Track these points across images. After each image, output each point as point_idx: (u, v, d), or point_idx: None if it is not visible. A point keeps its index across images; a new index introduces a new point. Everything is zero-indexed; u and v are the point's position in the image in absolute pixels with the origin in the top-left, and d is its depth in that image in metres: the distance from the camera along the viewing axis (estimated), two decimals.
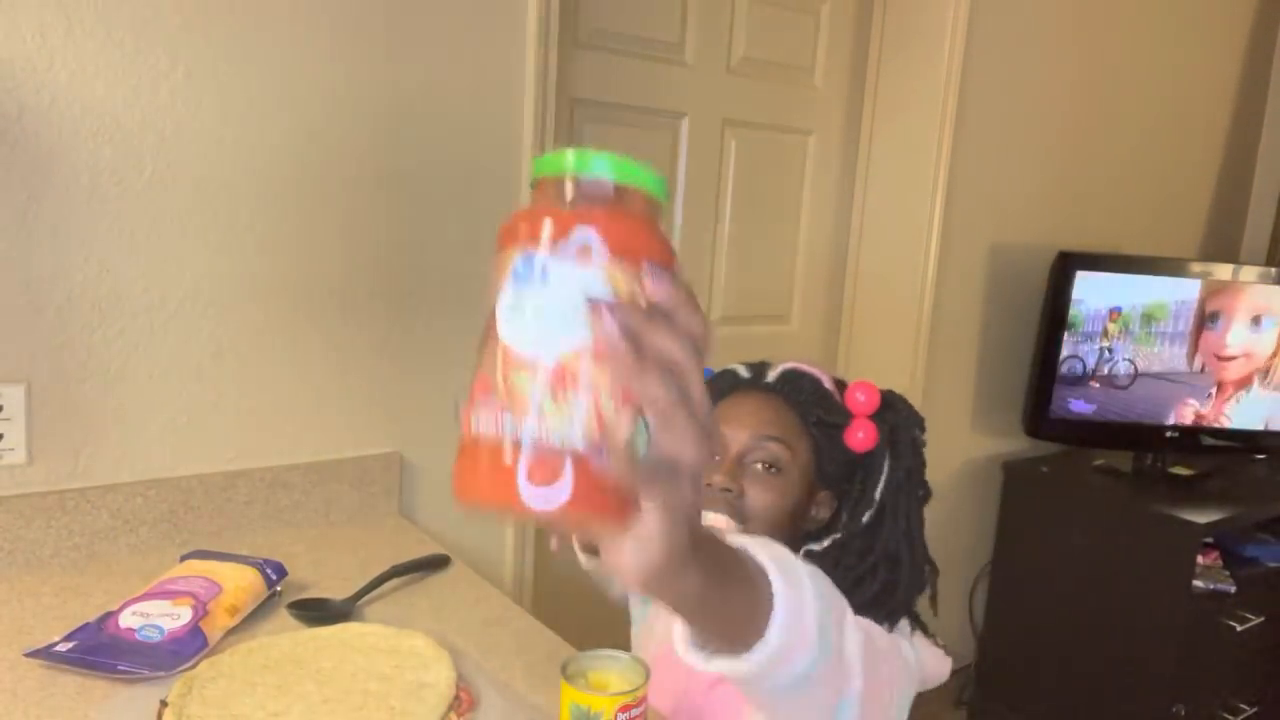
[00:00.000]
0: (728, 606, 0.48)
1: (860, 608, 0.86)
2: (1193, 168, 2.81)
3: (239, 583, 1.07)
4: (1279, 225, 2.87)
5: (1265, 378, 2.35)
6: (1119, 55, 2.48)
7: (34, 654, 0.93)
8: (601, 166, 0.41)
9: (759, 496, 0.89)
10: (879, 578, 0.88)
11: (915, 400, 2.17)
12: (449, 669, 0.91)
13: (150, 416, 1.27)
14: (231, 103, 1.26)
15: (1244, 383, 2.34)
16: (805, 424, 0.93)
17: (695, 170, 1.95)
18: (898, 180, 2.18)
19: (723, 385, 0.97)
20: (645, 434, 0.39)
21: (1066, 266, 2.22)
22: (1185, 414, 2.32)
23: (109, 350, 1.23)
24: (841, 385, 0.97)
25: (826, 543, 0.91)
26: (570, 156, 0.41)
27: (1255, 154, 2.96)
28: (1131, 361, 2.28)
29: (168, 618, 0.97)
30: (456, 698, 0.88)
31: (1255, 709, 2.26)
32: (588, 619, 1.32)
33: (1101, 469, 2.39)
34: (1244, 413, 2.36)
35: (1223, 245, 2.96)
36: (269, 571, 1.12)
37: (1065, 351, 2.23)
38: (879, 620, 0.86)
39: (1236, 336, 2.31)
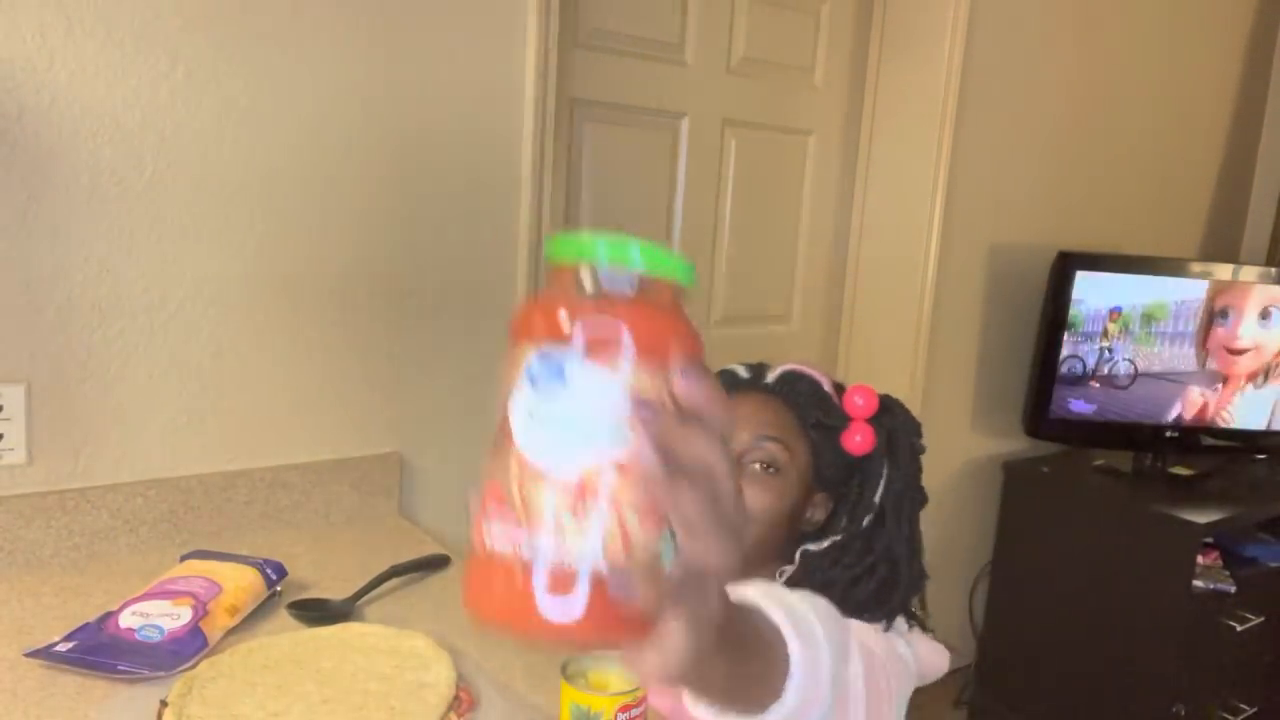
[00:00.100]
0: (745, 678, 0.47)
1: (858, 606, 0.86)
2: (1193, 168, 2.81)
3: (239, 583, 1.07)
4: (1279, 225, 2.87)
5: (1270, 373, 2.36)
6: (1119, 55, 2.48)
7: (34, 654, 0.93)
8: (627, 254, 0.37)
9: (757, 497, 0.89)
10: (877, 578, 0.88)
11: (915, 400, 2.18)
12: (449, 669, 0.91)
13: (150, 416, 1.27)
14: (231, 103, 1.26)
15: (1252, 377, 2.34)
16: (803, 425, 0.93)
17: (695, 170, 1.95)
18: (898, 180, 2.18)
19: (721, 386, 0.97)
20: (671, 544, 0.36)
21: (1066, 266, 2.22)
22: (1192, 404, 2.32)
23: (109, 350, 1.23)
24: (840, 388, 0.97)
25: (825, 544, 0.91)
26: (591, 242, 0.38)
27: (1255, 154, 2.96)
28: (1131, 361, 2.28)
29: (168, 618, 0.97)
30: (456, 698, 0.88)
31: (1255, 709, 2.26)
32: None
33: (1101, 469, 2.39)
34: (1249, 406, 2.36)
35: (1223, 245, 2.96)
36: (269, 571, 1.12)
37: (1065, 351, 2.23)
38: (877, 619, 0.86)
39: (1247, 329, 2.31)
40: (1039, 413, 2.27)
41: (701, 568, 0.37)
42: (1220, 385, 2.34)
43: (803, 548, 0.92)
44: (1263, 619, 2.13)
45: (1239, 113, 2.88)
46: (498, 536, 0.36)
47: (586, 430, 0.35)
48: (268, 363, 1.35)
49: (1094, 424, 2.30)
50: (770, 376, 0.96)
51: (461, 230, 1.49)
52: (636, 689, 0.72)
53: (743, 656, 0.45)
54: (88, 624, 0.99)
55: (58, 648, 0.94)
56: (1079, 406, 2.28)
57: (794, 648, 0.49)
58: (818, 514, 0.95)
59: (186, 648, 0.95)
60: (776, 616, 0.50)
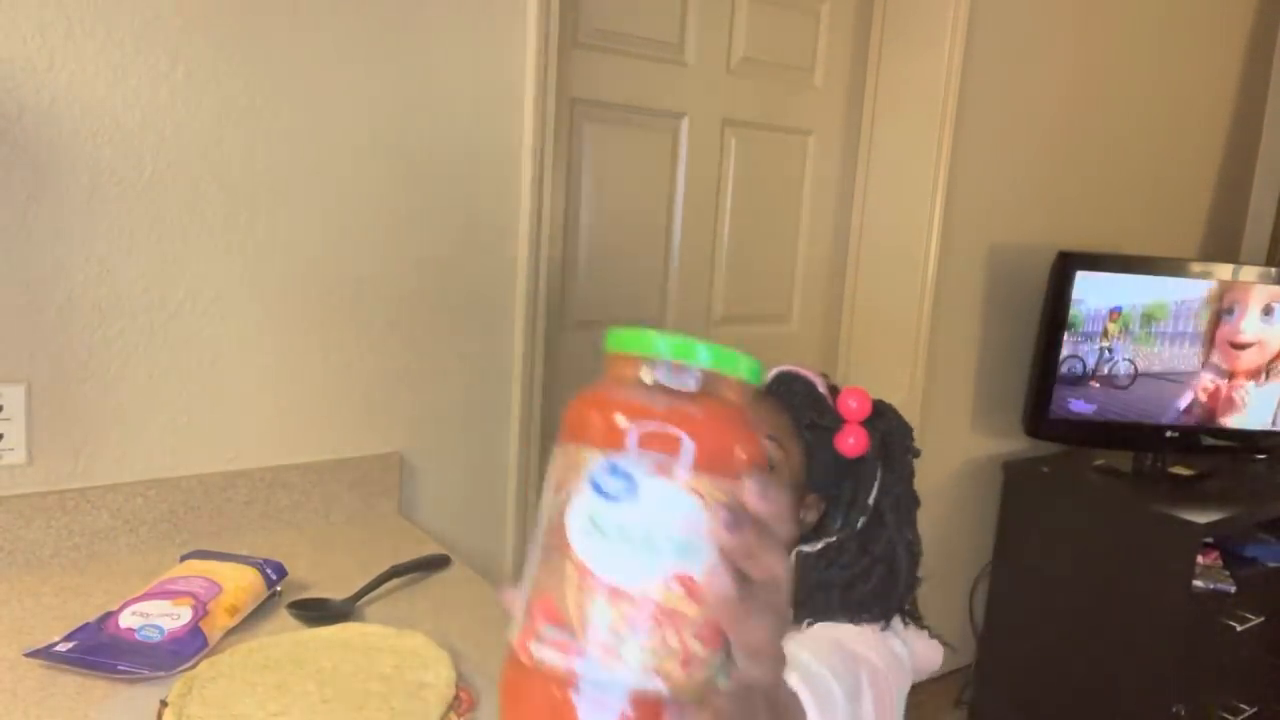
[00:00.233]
0: None
1: (855, 606, 0.86)
2: (1193, 168, 2.81)
3: (239, 583, 1.07)
4: (1279, 225, 2.87)
5: (1272, 370, 2.36)
6: (1119, 55, 2.48)
7: (34, 654, 0.93)
8: (693, 354, 0.35)
9: None
10: (875, 579, 0.88)
11: (915, 400, 2.18)
12: (449, 669, 0.91)
13: (150, 416, 1.27)
14: (231, 103, 1.26)
15: (1255, 374, 2.34)
16: (798, 426, 0.93)
17: (695, 170, 1.95)
18: (898, 180, 2.18)
19: None
20: (726, 663, 0.35)
21: (1066, 266, 2.22)
22: (1197, 400, 2.32)
23: (109, 350, 1.23)
24: (834, 391, 0.97)
25: (820, 545, 0.91)
26: (655, 338, 0.35)
27: (1255, 154, 2.96)
28: (1131, 361, 2.28)
29: (168, 618, 0.97)
30: (456, 698, 0.88)
31: (1255, 709, 2.26)
32: None
33: (1101, 469, 2.39)
34: (1254, 403, 2.36)
35: (1223, 245, 2.96)
36: (269, 571, 1.12)
37: (1065, 351, 2.23)
38: (874, 619, 0.86)
39: (1250, 324, 2.31)
40: (1039, 413, 2.28)
41: (755, 686, 0.35)
42: (1225, 381, 2.34)
43: (798, 548, 0.92)
44: (1263, 619, 2.12)
45: (1239, 113, 2.88)
46: (549, 652, 0.34)
47: (656, 545, 0.33)
48: (268, 363, 1.35)
49: (1094, 424, 2.30)
50: (765, 377, 0.97)
51: (461, 229, 1.49)
52: None
53: None
54: (88, 624, 0.98)
55: (58, 648, 0.94)
56: (1079, 406, 2.28)
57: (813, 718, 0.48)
58: (810, 515, 0.95)
59: (186, 648, 0.95)
60: (795, 686, 0.49)
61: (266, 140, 1.29)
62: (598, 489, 0.34)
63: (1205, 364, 2.32)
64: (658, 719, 0.33)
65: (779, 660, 0.35)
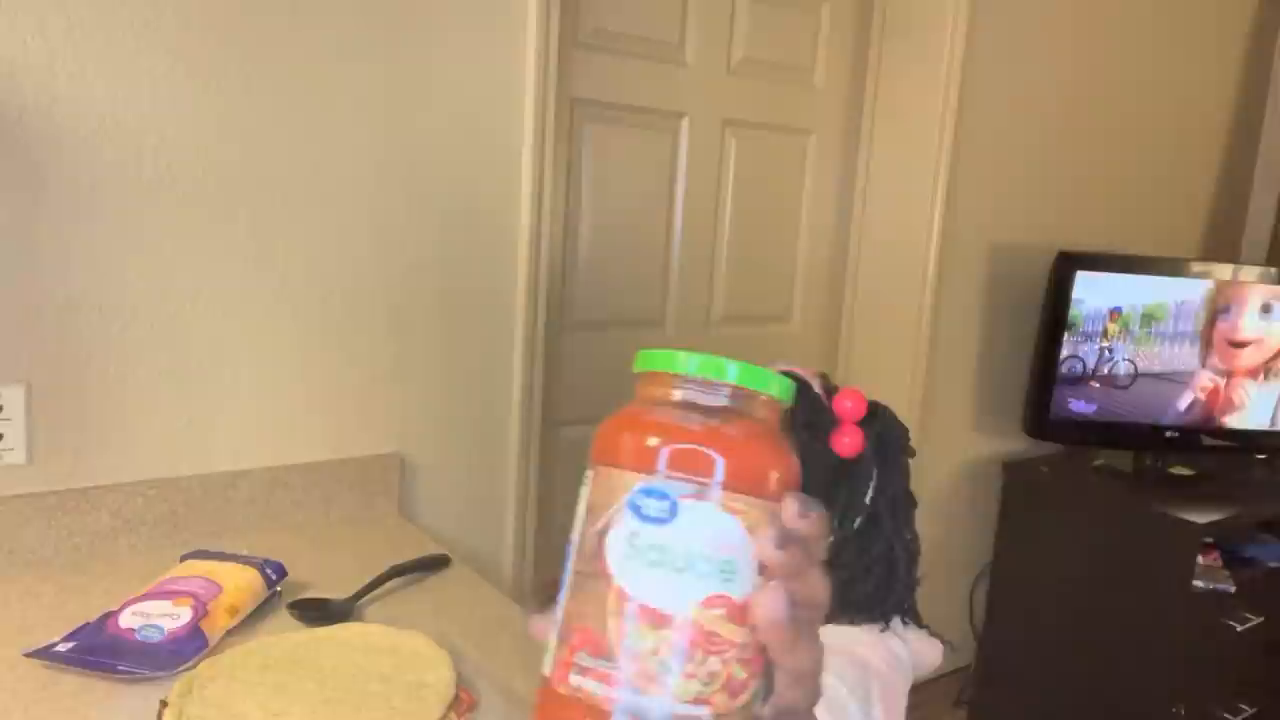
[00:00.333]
0: None
1: (855, 606, 0.86)
2: (1193, 168, 2.81)
3: (239, 583, 1.07)
4: (1279, 225, 2.87)
5: (1271, 369, 2.35)
6: (1119, 55, 2.48)
7: (34, 654, 0.93)
8: (724, 373, 0.35)
9: None
10: (874, 579, 0.88)
11: (916, 400, 2.18)
12: (449, 669, 0.91)
13: (150, 416, 1.27)
14: (232, 103, 1.26)
15: (1254, 372, 2.34)
16: (793, 425, 0.93)
17: (695, 170, 1.95)
18: (898, 180, 2.18)
19: None
20: (764, 687, 0.35)
21: (1066, 266, 2.22)
22: (1197, 400, 2.32)
23: (109, 351, 1.23)
24: (829, 391, 0.97)
25: None
26: (686, 359, 0.35)
27: (1255, 154, 2.95)
28: (1131, 361, 2.28)
29: (168, 618, 0.97)
30: (456, 698, 0.88)
31: (1255, 709, 2.26)
32: None
33: (1101, 469, 2.39)
34: (1254, 402, 2.36)
35: (1223, 245, 2.96)
36: (269, 571, 1.12)
37: (1065, 351, 2.23)
38: (873, 619, 0.86)
39: (1249, 322, 2.31)
40: (1039, 413, 2.27)
41: (794, 713, 0.35)
42: (1224, 381, 2.34)
43: None
44: (1263, 619, 2.12)
45: (1239, 113, 2.88)
46: (587, 678, 0.33)
47: (697, 567, 0.33)
48: (268, 363, 1.35)
49: (1094, 424, 2.29)
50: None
51: (461, 229, 1.49)
52: None
53: None
54: (88, 624, 0.98)
55: (58, 648, 0.94)
56: (1079, 406, 2.28)
57: None
58: None
59: (186, 648, 0.95)
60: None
61: (266, 140, 1.29)
62: (636, 511, 0.33)
63: (1204, 363, 2.32)
64: None
65: (818, 688, 0.35)
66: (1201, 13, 2.66)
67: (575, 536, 0.35)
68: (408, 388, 1.48)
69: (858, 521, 0.91)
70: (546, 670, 0.35)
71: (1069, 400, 2.27)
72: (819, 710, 0.49)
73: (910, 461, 0.95)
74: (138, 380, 1.25)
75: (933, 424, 2.25)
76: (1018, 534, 2.40)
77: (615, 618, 0.33)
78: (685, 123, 1.92)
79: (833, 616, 0.87)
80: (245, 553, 1.17)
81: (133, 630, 0.96)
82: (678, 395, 0.35)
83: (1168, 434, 2.34)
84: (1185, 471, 2.39)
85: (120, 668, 0.91)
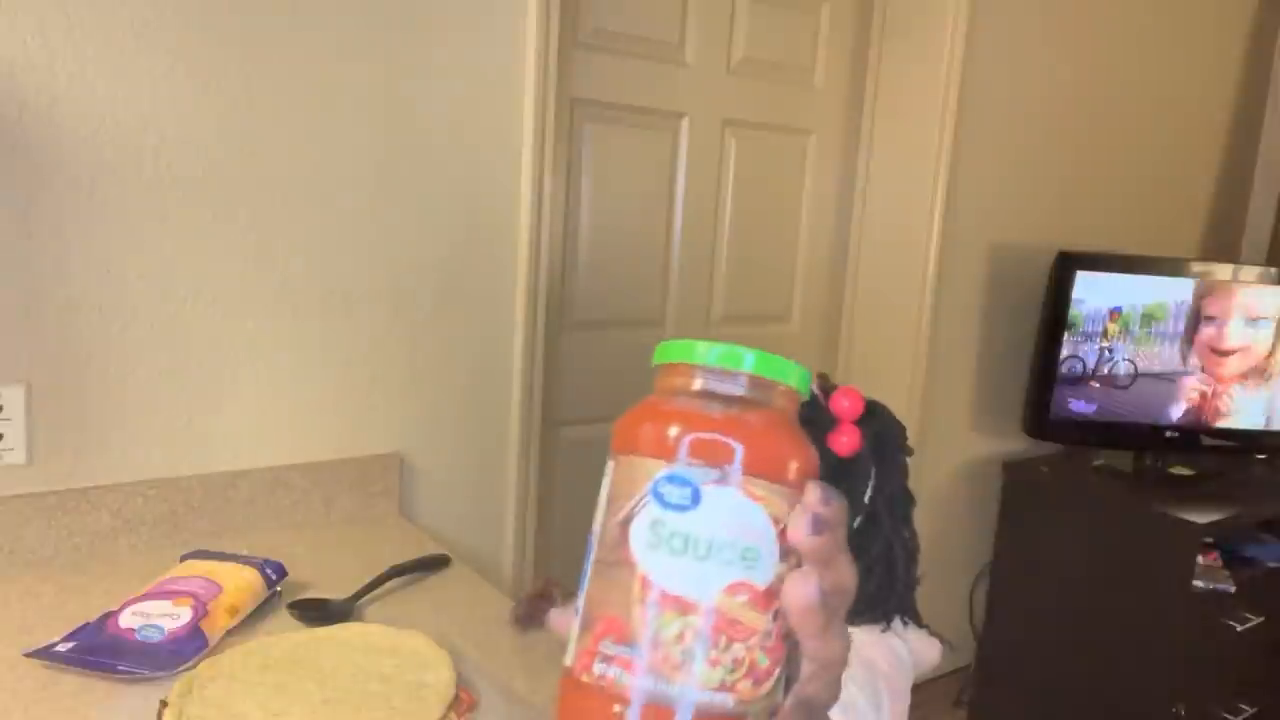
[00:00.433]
0: None
1: (854, 608, 0.86)
2: (1193, 168, 2.81)
3: (239, 583, 1.07)
4: (1279, 225, 2.87)
5: (1263, 376, 2.35)
6: (1119, 55, 2.48)
7: (34, 654, 0.93)
8: (741, 362, 0.35)
9: None
10: (874, 579, 0.88)
11: (916, 400, 2.18)
12: (449, 669, 0.91)
13: (150, 416, 1.27)
14: (232, 103, 1.26)
15: (1241, 379, 2.34)
16: None
17: (695, 170, 1.95)
18: (898, 180, 2.18)
19: None
20: (786, 677, 0.35)
21: (1066, 266, 2.22)
22: (1189, 399, 2.31)
23: (109, 351, 1.23)
24: (826, 390, 0.97)
25: None
26: (704, 349, 0.35)
27: (1255, 154, 2.95)
28: (1131, 361, 2.28)
29: (168, 618, 0.97)
30: (456, 698, 0.88)
31: (1255, 709, 2.26)
32: None
33: (1101, 469, 2.39)
34: (1241, 409, 2.36)
35: (1223, 245, 2.96)
36: (269, 571, 1.12)
37: (1065, 351, 2.23)
38: (875, 620, 0.86)
39: (1235, 330, 2.31)
40: (1039, 413, 2.28)
41: (815, 705, 0.35)
42: (1210, 389, 2.33)
43: None
44: (1263, 619, 2.13)
45: (1239, 113, 2.88)
46: (611, 665, 0.33)
47: (722, 553, 0.33)
48: (268, 363, 1.35)
49: (1094, 424, 2.30)
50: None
51: (461, 229, 1.49)
52: None
53: None
54: (88, 624, 0.98)
55: (58, 648, 0.94)
56: (1079, 406, 2.28)
57: None
58: None
59: (186, 648, 0.95)
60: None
61: (266, 140, 1.29)
62: (659, 499, 0.34)
63: (1191, 369, 2.31)
64: None
65: (840, 683, 0.35)
66: (1201, 13, 2.66)
67: (596, 527, 0.36)
68: (408, 387, 1.48)
69: (857, 521, 0.91)
70: (568, 661, 0.35)
71: (1069, 400, 2.27)
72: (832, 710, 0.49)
73: (908, 459, 0.95)
74: (138, 380, 1.25)
75: (933, 424, 2.25)
76: (1018, 534, 2.40)
77: (639, 605, 0.33)
78: (685, 123, 1.92)
79: None
80: (245, 553, 1.17)
81: (133, 630, 0.96)
82: (698, 385, 0.36)
83: (1168, 434, 2.34)
84: (1185, 471, 2.39)
85: (120, 668, 0.91)
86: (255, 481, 1.34)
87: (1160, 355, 2.29)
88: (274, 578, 1.12)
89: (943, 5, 2.06)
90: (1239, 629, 2.09)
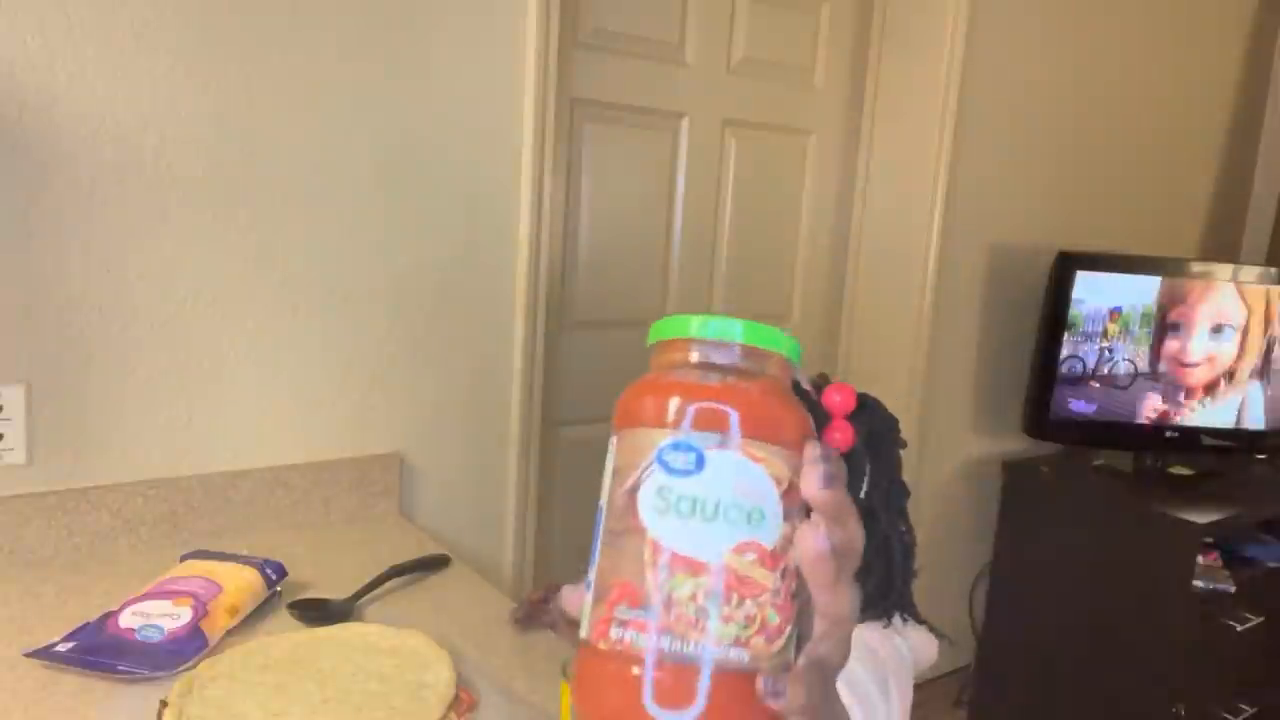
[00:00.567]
0: None
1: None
2: (1193, 168, 2.81)
3: (239, 583, 1.07)
4: (1279, 225, 2.87)
5: (1230, 381, 2.34)
6: (1119, 55, 2.48)
7: (34, 654, 0.93)
8: (732, 332, 0.37)
9: None
10: (874, 576, 0.88)
11: (915, 400, 2.18)
12: (449, 669, 0.91)
13: (150, 416, 1.27)
14: (231, 103, 1.26)
15: (1210, 388, 2.33)
16: None
17: (695, 170, 1.95)
18: (898, 180, 2.18)
19: None
20: (797, 636, 0.36)
21: (1066, 266, 2.22)
22: (1151, 412, 2.31)
23: (109, 350, 1.23)
24: (818, 386, 0.97)
25: None
26: (696, 322, 0.37)
27: (1255, 154, 2.95)
28: (1131, 361, 2.28)
29: (168, 618, 0.97)
30: (456, 698, 0.88)
31: (1255, 709, 2.26)
32: None
33: (1101, 469, 2.39)
34: (1211, 416, 2.35)
35: (1223, 245, 2.96)
36: (269, 571, 1.12)
37: (1065, 351, 2.23)
38: (876, 617, 0.86)
39: (1199, 344, 2.29)
40: (1039, 413, 2.27)
41: (826, 665, 0.35)
42: (1182, 396, 2.32)
43: None
44: (1263, 619, 2.12)
45: (1239, 113, 2.88)
46: (628, 629, 0.34)
47: (728, 514, 0.34)
48: (268, 363, 1.35)
49: (1094, 424, 2.29)
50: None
51: (461, 229, 1.49)
52: None
53: None
54: (88, 624, 0.98)
55: (58, 648, 0.94)
56: (1079, 406, 2.28)
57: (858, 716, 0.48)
58: None
59: (186, 648, 0.95)
60: (848, 699, 0.49)
61: (266, 140, 1.29)
62: (665, 466, 0.35)
63: (1153, 377, 2.29)
64: (743, 690, 0.34)
65: (849, 640, 0.36)
66: (1201, 13, 2.67)
67: (604, 501, 0.37)
68: (408, 388, 1.48)
69: None
70: (584, 633, 0.36)
71: (1069, 400, 2.27)
72: (840, 687, 0.49)
73: (901, 453, 0.95)
74: (138, 380, 1.25)
75: (933, 424, 2.25)
76: (1018, 534, 2.40)
77: (651, 569, 0.34)
78: (685, 123, 1.92)
79: None
80: (245, 553, 1.17)
81: (133, 630, 0.96)
82: (694, 357, 0.37)
83: (1168, 434, 2.34)
84: (1185, 471, 2.39)
85: (120, 668, 0.91)
86: (255, 481, 1.34)
87: None
88: (274, 578, 1.12)
89: (943, 5, 2.06)
90: (1239, 629, 2.09)
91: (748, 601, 0.34)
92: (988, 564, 2.48)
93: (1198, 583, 2.05)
